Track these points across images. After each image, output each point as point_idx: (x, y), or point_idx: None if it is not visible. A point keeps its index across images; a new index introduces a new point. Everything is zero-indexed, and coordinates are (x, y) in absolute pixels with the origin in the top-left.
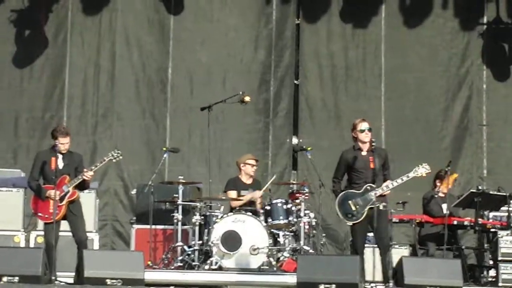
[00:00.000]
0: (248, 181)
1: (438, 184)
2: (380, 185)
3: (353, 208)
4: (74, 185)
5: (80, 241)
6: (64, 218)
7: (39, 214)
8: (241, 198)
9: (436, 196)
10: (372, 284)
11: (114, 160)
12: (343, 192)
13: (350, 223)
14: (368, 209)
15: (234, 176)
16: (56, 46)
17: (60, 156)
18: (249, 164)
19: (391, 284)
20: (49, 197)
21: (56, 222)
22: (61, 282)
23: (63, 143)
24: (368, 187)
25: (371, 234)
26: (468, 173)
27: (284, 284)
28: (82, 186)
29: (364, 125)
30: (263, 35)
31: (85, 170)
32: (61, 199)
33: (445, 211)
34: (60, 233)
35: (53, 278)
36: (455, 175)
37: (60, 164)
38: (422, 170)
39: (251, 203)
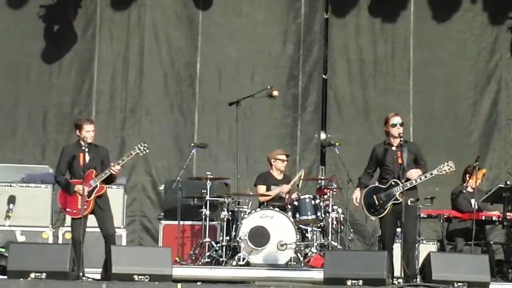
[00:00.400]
0: (279, 176)
1: (467, 179)
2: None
3: (376, 203)
4: (101, 180)
5: (107, 235)
6: (91, 212)
7: (67, 209)
8: (269, 193)
9: (464, 191)
10: (400, 280)
11: (141, 154)
12: (369, 186)
13: (373, 218)
14: (391, 204)
15: (265, 170)
16: (85, 41)
17: (86, 150)
18: (279, 159)
19: (418, 280)
20: (77, 192)
21: (83, 217)
22: (88, 278)
23: (89, 130)
24: (393, 183)
25: (400, 230)
26: (497, 168)
27: (312, 279)
28: (110, 180)
29: (396, 120)
30: (291, 29)
31: (112, 164)
32: (89, 194)
33: (473, 206)
34: (88, 229)
35: (80, 274)
36: (483, 170)
37: (87, 158)
38: (447, 167)
39: (280, 198)
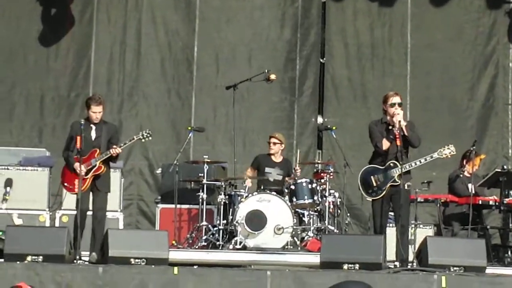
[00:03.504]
0: (277, 159)
1: (465, 164)
2: (406, 162)
3: (374, 184)
4: (102, 160)
5: (94, 215)
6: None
7: (65, 184)
8: (251, 176)
9: (461, 175)
10: (396, 263)
11: (143, 140)
12: (367, 166)
13: (370, 199)
14: (389, 186)
15: (265, 152)
16: (82, 24)
17: (93, 128)
18: (268, 141)
19: (414, 264)
20: (75, 169)
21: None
22: (85, 261)
23: (95, 111)
24: (391, 164)
25: (393, 213)
26: (493, 152)
27: (308, 263)
28: (111, 160)
29: (395, 99)
30: (289, 13)
31: (114, 146)
32: (86, 172)
33: (470, 191)
34: None
35: (77, 257)
36: (482, 155)
37: (93, 136)
38: (447, 151)
39: (278, 181)
